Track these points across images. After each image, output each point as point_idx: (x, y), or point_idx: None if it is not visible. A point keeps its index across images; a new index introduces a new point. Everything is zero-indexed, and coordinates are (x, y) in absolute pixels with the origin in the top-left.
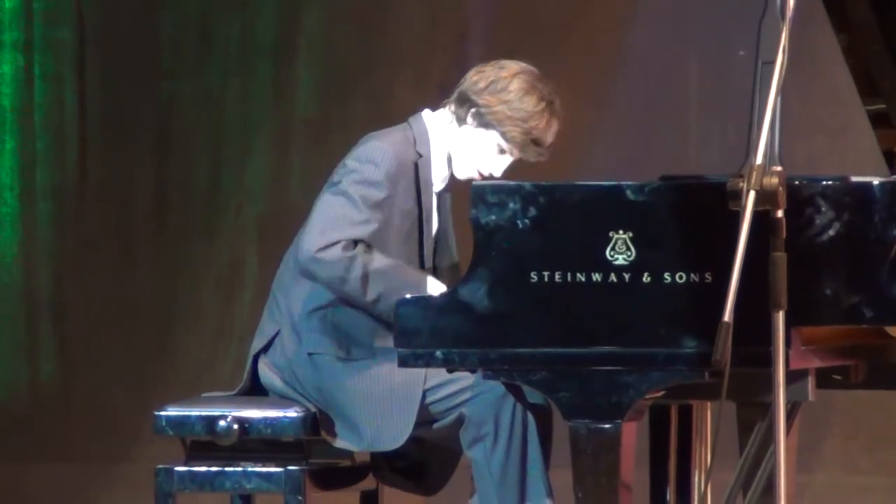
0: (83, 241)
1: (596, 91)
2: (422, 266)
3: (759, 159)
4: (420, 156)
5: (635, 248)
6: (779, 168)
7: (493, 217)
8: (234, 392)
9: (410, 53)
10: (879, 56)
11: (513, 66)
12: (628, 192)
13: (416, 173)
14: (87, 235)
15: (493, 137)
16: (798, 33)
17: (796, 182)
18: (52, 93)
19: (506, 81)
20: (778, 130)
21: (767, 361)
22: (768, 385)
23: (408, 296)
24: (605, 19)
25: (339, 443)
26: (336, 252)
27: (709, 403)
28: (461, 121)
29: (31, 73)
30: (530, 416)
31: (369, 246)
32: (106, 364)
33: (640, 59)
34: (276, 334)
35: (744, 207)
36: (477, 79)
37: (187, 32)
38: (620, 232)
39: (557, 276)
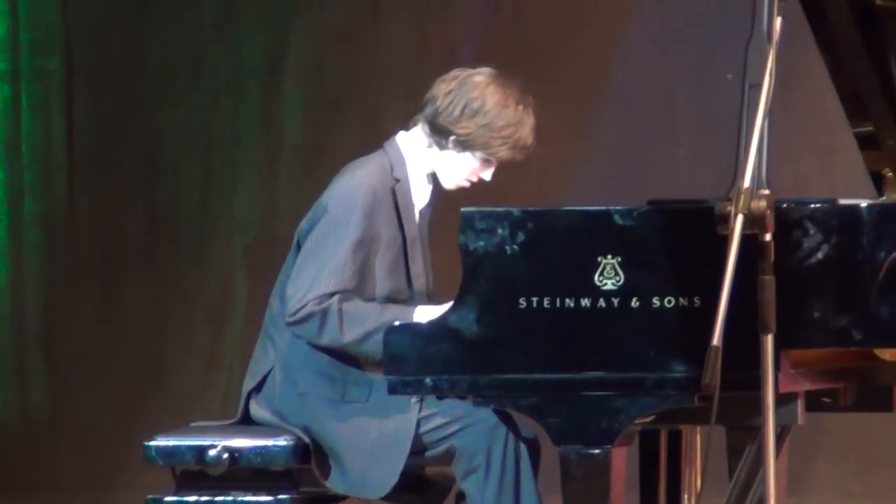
0: (73, 269)
1: (584, 115)
2: (410, 293)
3: (746, 182)
4: (398, 181)
5: (624, 272)
6: (766, 191)
7: (482, 243)
8: (225, 423)
9: (399, 75)
10: (866, 78)
11: (478, 78)
12: (616, 217)
13: (395, 199)
14: (76, 264)
15: (478, 155)
16: (785, 56)
17: (784, 205)
18: (40, 122)
19: (478, 102)
20: (765, 153)
21: (756, 385)
22: (758, 409)
23: (397, 323)
24: (594, 43)
25: (327, 481)
26: (309, 308)
27: (698, 427)
28: (442, 146)
29: (19, 103)
30: (522, 447)
31: (348, 293)
32: (95, 393)
33: (629, 83)
34: (269, 372)
35: (732, 231)
36: (447, 103)
37: (175, 59)
38: (609, 257)
39: (546, 302)
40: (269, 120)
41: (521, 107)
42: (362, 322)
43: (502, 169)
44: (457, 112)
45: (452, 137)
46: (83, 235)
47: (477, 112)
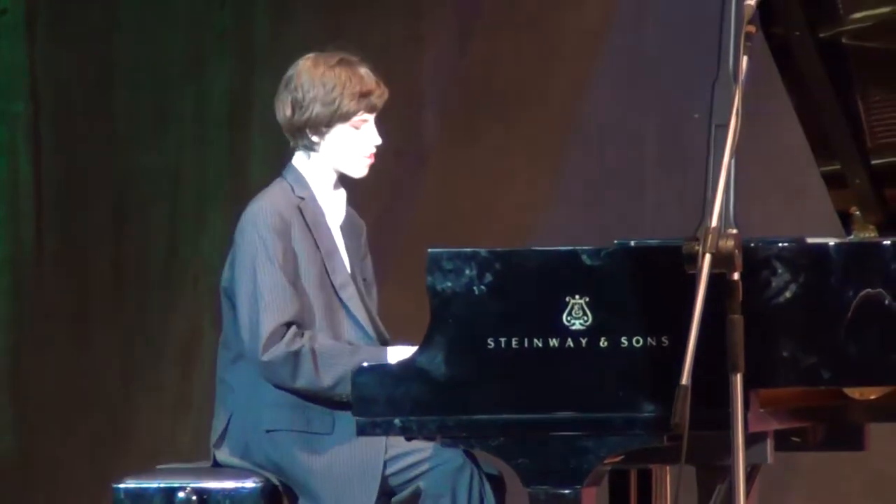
0: (40, 313)
1: (552, 155)
2: (345, 309)
3: (714, 222)
4: (302, 199)
5: (592, 312)
6: (734, 231)
7: (449, 284)
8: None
9: None
10: (833, 116)
11: (291, 72)
12: (584, 257)
13: (303, 216)
14: (45, 307)
15: (340, 129)
16: (751, 95)
17: (752, 244)
18: (7, 165)
19: (301, 90)
20: (733, 192)
21: (726, 424)
22: (727, 448)
23: (365, 364)
24: (561, 83)
25: None
26: (279, 351)
27: (668, 467)
28: (314, 145)
29: None
30: (487, 487)
31: (311, 336)
32: (64, 436)
33: (596, 123)
34: (230, 419)
35: (700, 270)
36: (282, 108)
37: (142, 104)
38: (577, 297)
39: (514, 342)
40: (235, 165)
41: (337, 68)
42: (336, 364)
43: (471, 209)
44: (290, 110)
45: (308, 131)
46: (51, 278)
47: (308, 100)
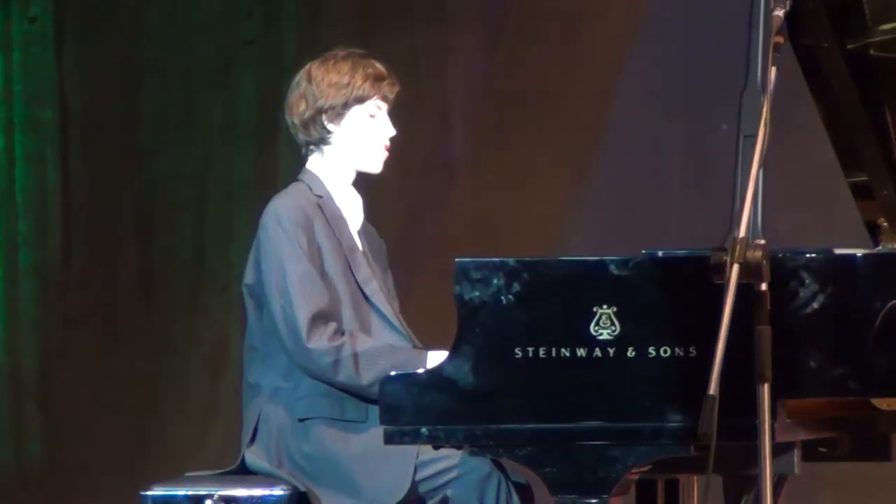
0: (69, 320)
1: (579, 164)
2: (369, 304)
3: (742, 232)
4: (320, 197)
5: (619, 322)
6: (762, 241)
7: (477, 293)
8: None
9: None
10: (861, 127)
11: (297, 77)
12: (612, 267)
13: (324, 213)
14: (72, 315)
15: (356, 114)
16: (780, 106)
17: (780, 255)
18: (35, 173)
19: (314, 82)
20: (761, 203)
21: (753, 434)
22: (754, 458)
23: (392, 373)
24: (587, 94)
25: None
26: (322, 344)
27: (695, 477)
28: (328, 136)
29: (13, 154)
30: (515, 496)
31: (351, 333)
32: (92, 443)
33: (623, 133)
34: (259, 418)
35: (727, 281)
36: (295, 105)
37: (169, 111)
38: (604, 307)
39: (542, 352)
40: (262, 172)
41: (347, 58)
42: (375, 364)
43: (498, 218)
44: (302, 105)
45: (324, 117)
46: (78, 286)
47: (319, 87)
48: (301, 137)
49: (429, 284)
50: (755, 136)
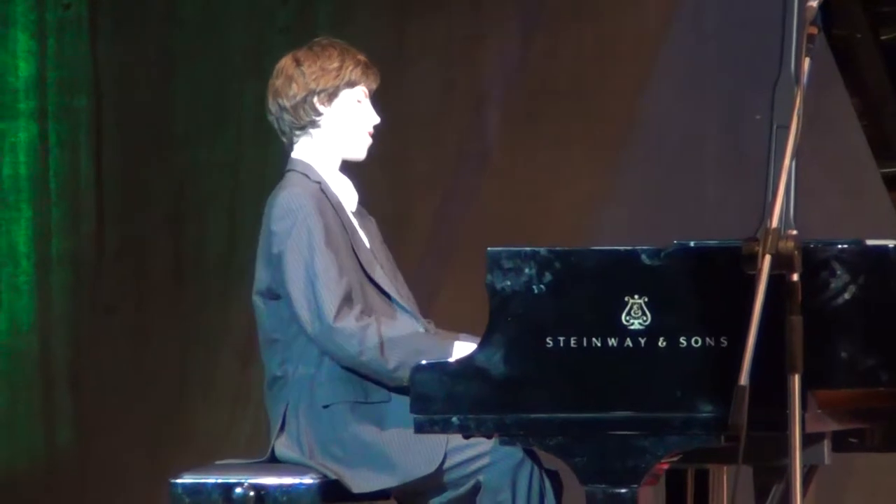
0: (100, 308)
1: (612, 155)
2: (372, 284)
3: (774, 223)
4: (318, 183)
5: (651, 312)
6: (794, 232)
7: (509, 283)
8: (251, 461)
9: (426, 118)
10: (894, 117)
11: (279, 65)
12: (644, 257)
13: (327, 197)
14: (104, 302)
15: (345, 98)
16: (813, 97)
17: (812, 245)
18: (68, 160)
19: (303, 67)
20: (793, 194)
21: (784, 425)
22: (785, 449)
23: (423, 362)
24: (621, 84)
25: (373, 485)
26: (350, 324)
27: (725, 467)
28: (317, 120)
29: (47, 141)
30: (547, 483)
31: (377, 317)
32: (122, 431)
33: (656, 123)
34: (286, 408)
35: (759, 271)
36: (283, 91)
37: (203, 100)
38: (636, 297)
39: (573, 342)
40: None
41: (330, 47)
42: (401, 347)
43: (530, 207)
44: (293, 88)
45: (316, 99)
46: (111, 273)
47: (309, 71)
48: (289, 120)
49: (461, 273)
50: (788, 126)
